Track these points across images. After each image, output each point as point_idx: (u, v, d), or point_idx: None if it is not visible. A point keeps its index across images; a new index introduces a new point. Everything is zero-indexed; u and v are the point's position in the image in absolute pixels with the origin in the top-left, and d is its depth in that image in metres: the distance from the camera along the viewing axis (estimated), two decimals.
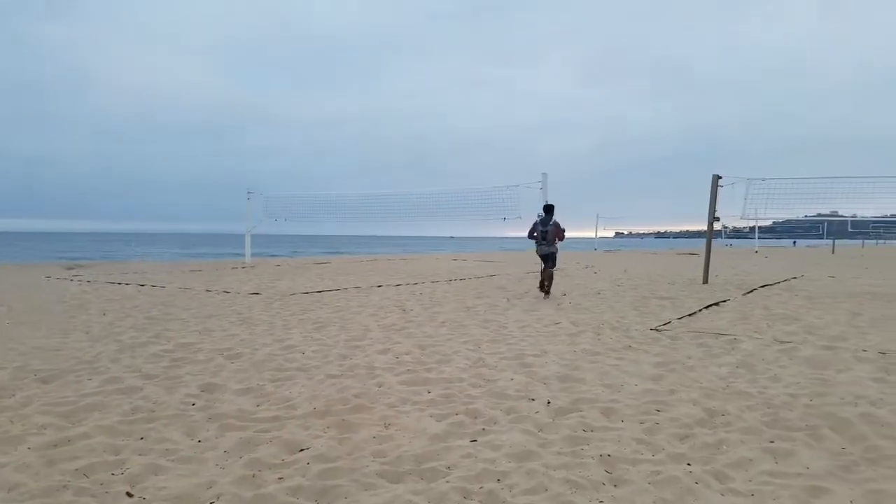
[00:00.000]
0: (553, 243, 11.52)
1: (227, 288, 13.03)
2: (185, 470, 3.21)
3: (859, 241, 76.19)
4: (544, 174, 16.83)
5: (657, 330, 7.60)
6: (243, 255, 23.89)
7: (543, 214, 11.64)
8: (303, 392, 4.66)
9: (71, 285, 13.62)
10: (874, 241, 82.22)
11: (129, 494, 2.92)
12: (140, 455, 3.41)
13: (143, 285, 13.60)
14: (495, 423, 4.00)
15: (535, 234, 11.56)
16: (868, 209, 13.90)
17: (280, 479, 3.11)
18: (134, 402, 4.37)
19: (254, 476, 3.13)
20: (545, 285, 11.58)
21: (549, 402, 4.42)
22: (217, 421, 3.99)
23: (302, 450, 3.50)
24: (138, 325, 7.82)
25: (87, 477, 3.12)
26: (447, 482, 3.07)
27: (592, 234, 48.07)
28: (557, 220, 11.51)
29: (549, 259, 11.58)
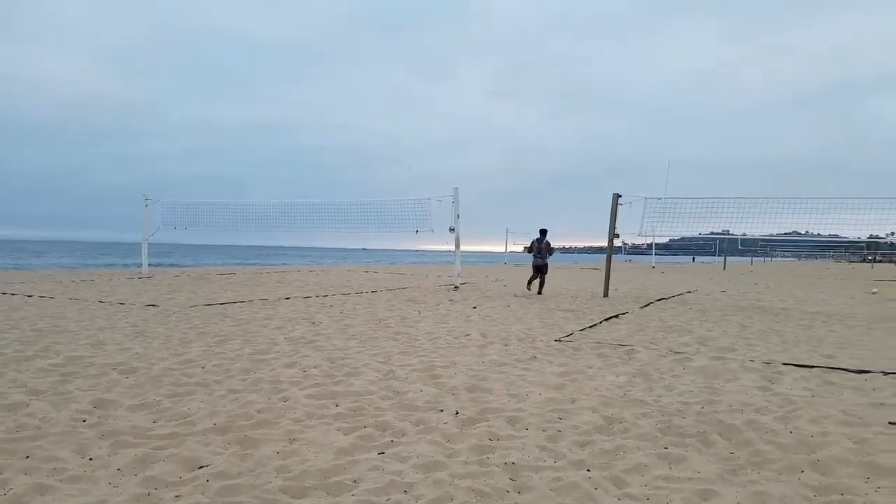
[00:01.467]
0: (545, 257, 15.33)
1: (122, 299, 12.38)
2: (74, 489, 3.03)
3: (748, 259, 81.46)
4: (455, 188, 17.07)
5: (560, 341, 7.83)
6: (140, 265, 22.58)
7: (539, 235, 15.33)
8: (202, 407, 4.49)
9: None
10: (762, 259, 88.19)
11: None
12: (25, 475, 3.19)
13: (30, 296, 12.72)
14: (404, 434, 4.00)
15: (533, 249, 15.32)
16: (756, 228, 14.91)
17: (177, 497, 2.98)
18: (19, 419, 4.08)
19: (149, 494, 2.99)
20: (539, 288, 15.55)
21: (457, 413, 4.47)
22: (110, 438, 3.78)
23: (201, 467, 3.37)
24: (24, 337, 7.29)
25: None
26: (353, 496, 3.04)
27: (502, 249, 48.84)
28: (549, 240, 15.39)
29: (542, 269, 15.45)
